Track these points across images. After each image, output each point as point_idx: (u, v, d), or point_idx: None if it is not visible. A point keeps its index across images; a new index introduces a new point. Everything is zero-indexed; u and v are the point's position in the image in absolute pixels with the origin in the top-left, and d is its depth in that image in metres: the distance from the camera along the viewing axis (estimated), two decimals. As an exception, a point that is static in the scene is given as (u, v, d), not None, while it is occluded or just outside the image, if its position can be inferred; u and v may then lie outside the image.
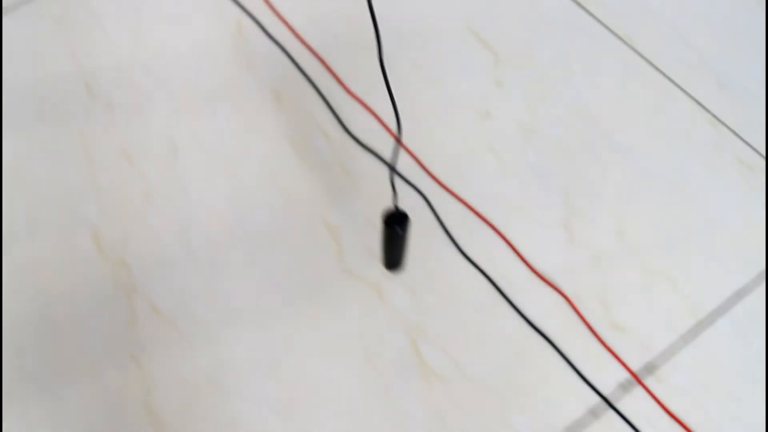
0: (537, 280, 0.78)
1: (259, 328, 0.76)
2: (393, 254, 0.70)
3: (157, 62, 0.93)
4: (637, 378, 0.72)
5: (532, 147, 0.85)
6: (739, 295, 0.77)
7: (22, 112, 0.90)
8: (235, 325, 0.76)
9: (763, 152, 0.84)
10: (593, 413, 0.71)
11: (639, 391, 0.72)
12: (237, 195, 0.84)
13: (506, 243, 0.80)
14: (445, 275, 0.79)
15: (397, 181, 0.83)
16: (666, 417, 0.71)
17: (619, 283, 0.78)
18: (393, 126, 0.87)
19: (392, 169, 0.59)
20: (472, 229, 0.81)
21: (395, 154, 0.56)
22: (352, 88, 0.90)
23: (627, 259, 0.79)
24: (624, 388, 0.72)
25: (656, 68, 0.91)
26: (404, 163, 0.85)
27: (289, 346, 0.75)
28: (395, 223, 0.63)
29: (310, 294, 0.78)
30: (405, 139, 0.86)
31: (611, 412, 0.71)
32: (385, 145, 0.86)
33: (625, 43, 0.93)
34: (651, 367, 0.73)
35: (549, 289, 0.77)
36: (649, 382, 0.73)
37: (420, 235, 0.80)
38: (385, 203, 0.78)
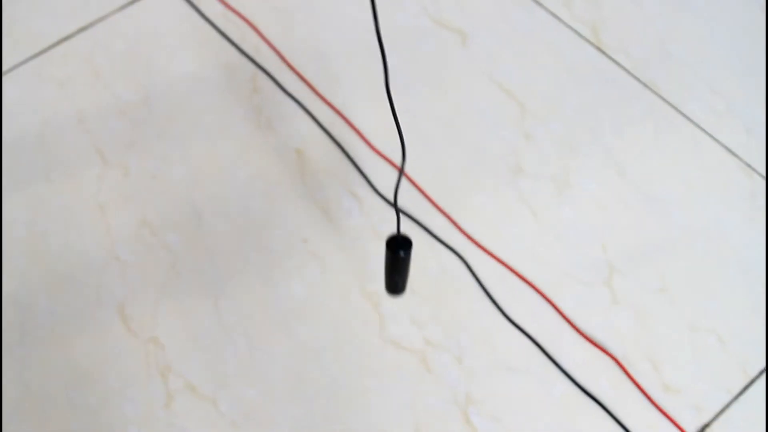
0: (584, 342, 0.80)
1: (303, 406, 0.78)
2: (396, 279, 0.71)
3: (171, 124, 0.95)
4: (694, 440, 0.75)
5: (568, 202, 0.88)
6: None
7: (33, 180, 0.90)
8: (278, 403, 0.78)
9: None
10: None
11: (696, 453, 0.75)
12: (267, 264, 0.85)
13: (549, 304, 0.82)
14: (491, 340, 0.81)
15: (433, 243, 0.86)
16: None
17: (666, 342, 0.81)
18: (422, 182, 0.89)
19: (395, 194, 0.62)
20: (513, 290, 0.83)
21: (399, 179, 0.59)
22: (376, 144, 0.92)
23: (672, 317, 0.82)
24: (681, 451, 0.75)
25: (684, 115, 0.94)
26: (438, 224, 0.87)
27: (335, 423, 0.77)
28: (398, 248, 0.65)
29: (354, 367, 0.79)
30: (437, 199, 0.88)
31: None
32: (415, 204, 0.88)
33: (651, 90, 0.96)
34: (706, 428, 0.76)
35: (597, 351, 0.80)
36: (704, 443, 0.75)
37: (461, 298, 0.83)
38: (424, 268, 0.81)
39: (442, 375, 0.79)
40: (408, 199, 0.89)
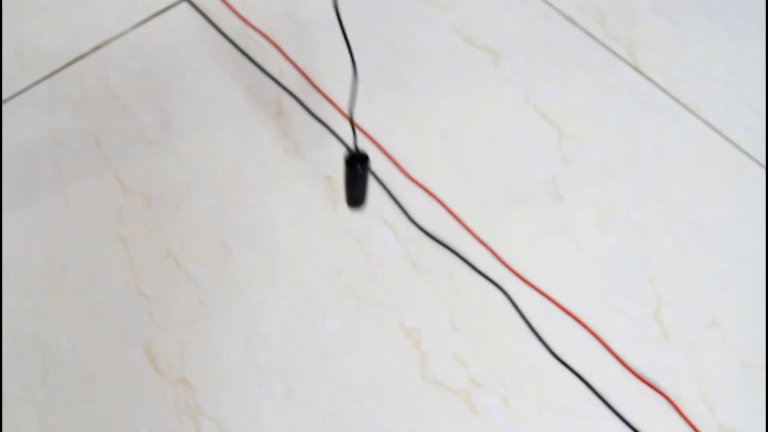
0: (634, 380, 0.77)
1: (345, 450, 0.74)
2: (355, 193, 0.76)
3: (193, 149, 0.91)
4: (754, 485, 0.72)
5: (611, 231, 0.85)
6: None
7: (51, 210, 0.87)
8: (317, 448, 0.74)
9: None
10: None
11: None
12: (300, 297, 0.82)
13: (597, 339, 0.79)
14: (538, 378, 0.78)
15: (474, 275, 0.82)
16: None
17: (719, 379, 0.78)
18: (459, 210, 0.87)
19: (350, 109, 0.66)
20: (559, 325, 0.80)
21: (353, 93, 0.64)
22: (409, 170, 0.89)
23: (724, 352, 0.79)
24: (740, 495, 0.72)
25: (725, 138, 0.92)
26: (479, 256, 0.84)
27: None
28: (356, 163, 0.70)
29: (396, 408, 0.76)
30: (476, 229, 0.85)
31: None
32: (454, 234, 0.85)
33: (692, 112, 0.94)
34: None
35: (648, 389, 0.77)
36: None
37: (505, 334, 0.80)
38: (465, 303, 0.78)
39: (489, 416, 0.76)
40: (443, 226, 0.86)
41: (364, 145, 0.92)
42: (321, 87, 0.96)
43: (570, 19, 1.02)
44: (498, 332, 0.80)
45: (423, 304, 0.82)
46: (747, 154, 0.91)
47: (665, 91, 0.96)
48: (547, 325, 0.80)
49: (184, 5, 1.04)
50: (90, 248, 0.85)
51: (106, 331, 0.80)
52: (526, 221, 0.86)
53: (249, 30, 1.01)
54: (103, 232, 0.86)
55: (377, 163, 0.90)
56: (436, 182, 0.88)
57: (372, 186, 0.89)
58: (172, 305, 0.82)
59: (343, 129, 0.92)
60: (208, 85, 0.96)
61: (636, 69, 0.98)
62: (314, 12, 1.02)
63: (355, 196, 0.76)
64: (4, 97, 0.96)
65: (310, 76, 0.97)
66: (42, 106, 0.95)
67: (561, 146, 0.91)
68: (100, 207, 0.87)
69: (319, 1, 1.03)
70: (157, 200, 0.88)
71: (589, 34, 1.01)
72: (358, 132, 0.92)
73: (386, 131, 0.92)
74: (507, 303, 0.82)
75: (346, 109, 0.93)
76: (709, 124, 0.93)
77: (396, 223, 0.86)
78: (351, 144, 0.87)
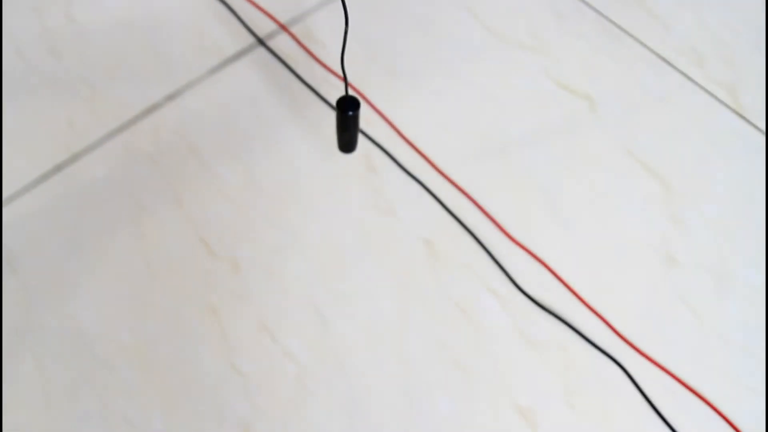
0: (768, 464, 0.72)
1: None
2: (346, 138, 0.77)
3: (281, 209, 0.86)
4: None
5: (731, 298, 0.80)
6: None
7: (132, 275, 0.82)
8: None
9: None
10: None
11: None
12: (405, 372, 0.77)
13: (725, 420, 0.74)
14: (664, 464, 0.72)
15: (589, 348, 0.77)
16: None
17: None
18: (568, 277, 0.84)
19: (342, 57, 0.66)
20: (682, 403, 0.75)
21: (344, 43, 0.64)
22: (512, 232, 0.84)
23: None
24: None
25: (842, 191, 0.86)
26: (591, 326, 0.79)
27: None
28: (347, 108, 0.71)
29: (517, 498, 0.71)
30: (587, 296, 0.80)
31: None
32: (564, 302, 0.80)
33: (805, 162, 0.88)
34: None
35: (784, 475, 0.71)
36: None
37: (624, 413, 0.76)
38: (581, 378, 0.76)
39: (616, 507, 0.71)
40: (554, 296, 0.82)
41: (466, 206, 0.86)
42: (411, 140, 0.90)
43: (667, 62, 0.96)
44: (617, 411, 0.75)
45: (536, 380, 0.76)
46: None
47: (774, 140, 0.90)
48: (669, 403, 0.75)
49: (260, 50, 0.98)
50: (178, 319, 0.80)
51: (201, 411, 0.75)
52: (638, 288, 0.81)
53: (331, 77, 0.96)
54: (191, 302, 0.81)
55: (476, 223, 0.84)
56: (540, 244, 0.83)
57: (473, 248, 0.83)
58: (269, 383, 0.77)
59: (439, 186, 0.87)
60: (291, 137, 0.91)
61: (740, 115, 0.92)
62: (401, 58, 0.96)
63: (346, 141, 0.77)
64: (77, 151, 0.90)
65: (400, 128, 0.91)
66: (117, 161, 0.90)
67: (669, 203, 0.86)
68: (186, 273, 0.83)
69: (406, 46, 0.97)
70: (246, 265, 0.83)
71: (688, 77, 0.95)
72: (457, 192, 0.86)
73: (482, 188, 0.86)
74: (625, 379, 0.76)
75: (441, 166, 0.87)
76: (823, 177, 0.87)
77: (501, 290, 0.81)
78: (447, 203, 0.82)
